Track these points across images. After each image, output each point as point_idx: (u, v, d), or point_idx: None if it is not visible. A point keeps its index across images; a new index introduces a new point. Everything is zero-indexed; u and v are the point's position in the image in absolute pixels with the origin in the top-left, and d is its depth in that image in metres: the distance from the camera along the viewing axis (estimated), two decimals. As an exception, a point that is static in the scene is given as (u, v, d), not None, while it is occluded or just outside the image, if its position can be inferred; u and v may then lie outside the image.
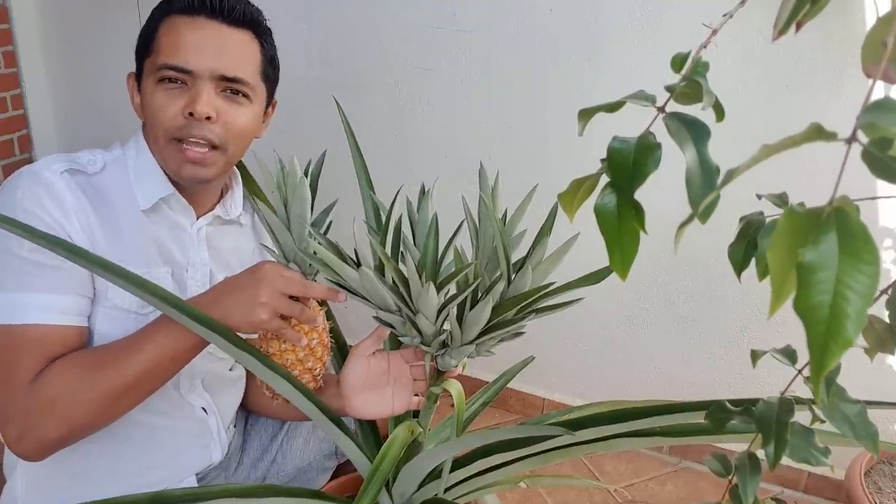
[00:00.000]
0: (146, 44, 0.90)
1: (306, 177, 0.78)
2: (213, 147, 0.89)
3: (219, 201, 1.01)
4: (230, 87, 0.89)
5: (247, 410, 1.18)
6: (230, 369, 1.06)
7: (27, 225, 0.70)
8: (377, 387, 0.89)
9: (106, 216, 0.88)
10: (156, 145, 0.90)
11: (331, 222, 0.83)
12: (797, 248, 0.29)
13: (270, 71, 0.96)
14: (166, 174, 0.92)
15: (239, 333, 0.79)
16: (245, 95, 0.91)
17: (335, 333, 1.03)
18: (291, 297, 0.81)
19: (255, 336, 0.88)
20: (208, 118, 0.86)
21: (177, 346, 0.81)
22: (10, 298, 0.81)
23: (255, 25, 0.92)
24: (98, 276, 0.85)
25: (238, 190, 1.03)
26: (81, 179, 0.87)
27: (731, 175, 0.34)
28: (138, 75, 0.93)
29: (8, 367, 0.80)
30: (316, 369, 0.88)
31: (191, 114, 0.86)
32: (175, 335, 0.81)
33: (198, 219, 0.97)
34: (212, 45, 0.87)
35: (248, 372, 1.11)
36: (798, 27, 0.46)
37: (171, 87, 0.87)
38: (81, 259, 0.72)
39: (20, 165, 0.93)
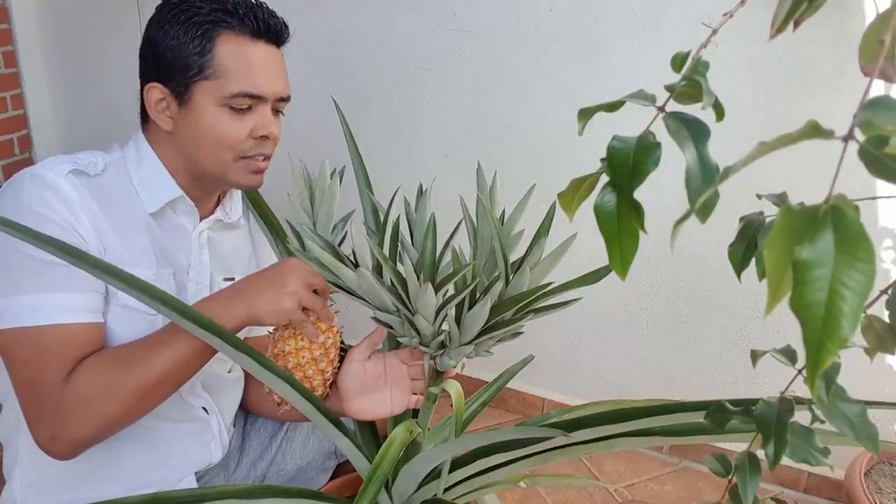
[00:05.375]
0: (199, 64, 0.86)
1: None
2: (268, 158, 0.94)
3: (218, 205, 1.01)
4: (281, 105, 0.93)
5: (246, 410, 1.18)
6: (229, 371, 1.07)
7: (36, 231, 0.70)
8: (375, 389, 0.89)
9: (112, 217, 0.88)
10: (216, 163, 0.90)
11: (346, 233, 0.83)
12: (793, 246, 0.29)
13: None
14: (175, 178, 0.93)
15: (259, 326, 0.81)
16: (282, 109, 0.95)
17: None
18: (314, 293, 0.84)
19: (267, 335, 0.89)
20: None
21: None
22: (31, 301, 0.80)
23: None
24: None
25: (237, 193, 1.04)
26: (85, 180, 0.87)
27: (727, 172, 0.34)
28: (178, 90, 0.88)
29: (36, 370, 0.80)
30: (328, 372, 0.88)
31: (263, 136, 0.90)
32: None
33: (200, 222, 0.98)
34: (276, 70, 0.91)
35: (246, 372, 1.11)
36: (796, 25, 0.46)
37: (239, 110, 0.89)
38: (89, 266, 0.71)
39: (20, 165, 0.93)
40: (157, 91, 0.89)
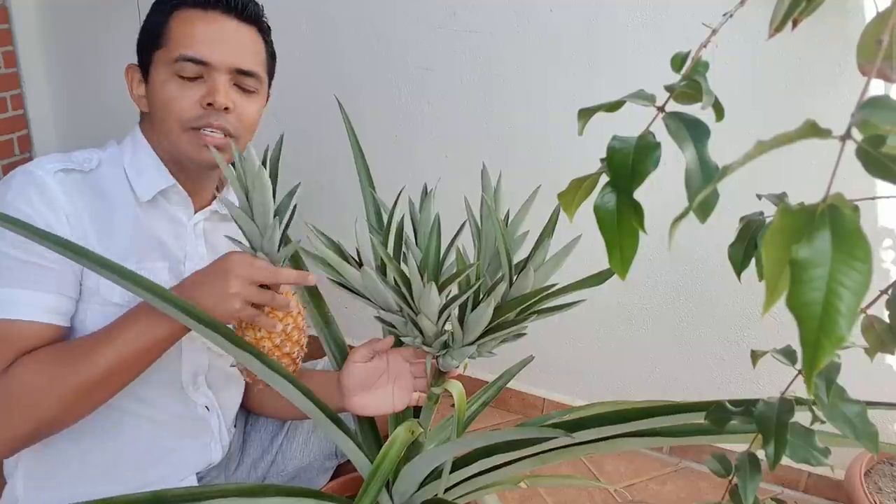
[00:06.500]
0: (156, 36, 0.91)
1: (265, 165, 0.78)
2: (228, 135, 0.91)
3: (214, 197, 1.01)
4: (243, 80, 0.92)
5: (247, 410, 1.18)
6: (231, 365, 1.07)
7: (22, 221, 0.70)
8: (377, 386, 0.89)
9: (100, 214, 0.88)
10: (168, 136, 0.90)
11: (296, 205, 0.82)
12: (791, 245, 0.29)
13: (271, 66, 1.00)
14: (167, 166, 0.93)
15: None
16: (255, 89, 0.94)
17: (334, 333, 1.03)
18: (262, 286, 0.82)
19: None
20: (226, 109, 0.89)
21: (153, 336, 0.81)
22: None
23: (260, 22, 0.95)
24: (87, 275, 0.86)
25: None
26: (77, 177, 0.87)
27: (725, 171, 0.35)
28: (144, 67, 0.93)
29: None
30: (294, 352, 0.88)
31: (209, 104, 0.88)
32: (152, 325, 0.81)
33: (195, 213, 0.98)
34: (228, 40, 0.90)
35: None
36: (795, 24, 0.46)
37: (187, 78, 0.89)
38: (68, 251, 0.71)
39: (20, 165, 0.93)
40: (135, 72, 0.95)
